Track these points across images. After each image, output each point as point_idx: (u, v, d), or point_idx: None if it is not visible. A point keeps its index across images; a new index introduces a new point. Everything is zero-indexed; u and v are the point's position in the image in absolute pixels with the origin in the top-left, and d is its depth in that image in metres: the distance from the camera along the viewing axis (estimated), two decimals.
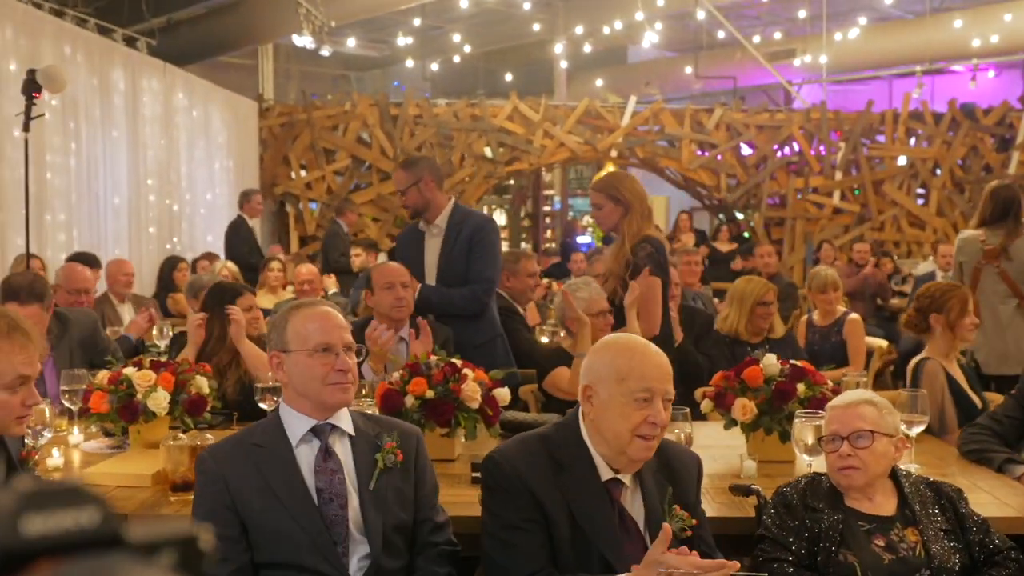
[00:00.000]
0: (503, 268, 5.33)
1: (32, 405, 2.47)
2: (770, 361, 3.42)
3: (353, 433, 2.48)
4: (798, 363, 3.44)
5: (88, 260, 7.13)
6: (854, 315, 6.01)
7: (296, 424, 2.45)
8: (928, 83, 14.57)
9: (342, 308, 6.89)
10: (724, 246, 11.80)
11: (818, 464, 2.97)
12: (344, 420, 2.49)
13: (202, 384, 3.52)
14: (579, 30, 14.33)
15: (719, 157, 13.15)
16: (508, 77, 15.94)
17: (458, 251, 4.57)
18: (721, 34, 14.09)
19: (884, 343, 6.19)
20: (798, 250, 13.14)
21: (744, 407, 3.31)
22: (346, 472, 2.43)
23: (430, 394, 3.34)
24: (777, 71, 14.10)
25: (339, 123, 12.54)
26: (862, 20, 13.91)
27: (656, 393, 2.30)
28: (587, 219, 19.19)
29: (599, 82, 16.41)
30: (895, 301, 9.65)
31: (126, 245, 8.81)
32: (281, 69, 16.15)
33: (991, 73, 15.79)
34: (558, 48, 14.63)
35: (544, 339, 5.62)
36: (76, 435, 3.70)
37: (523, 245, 17.52)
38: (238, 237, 9.33)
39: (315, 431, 2.45)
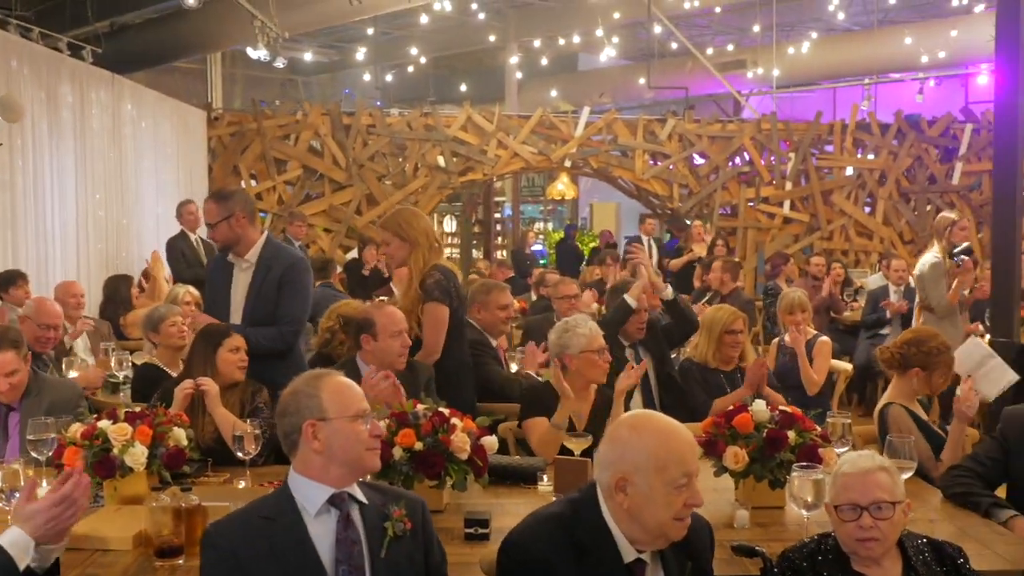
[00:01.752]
0: (474, 300, 5.27)
1: None
2: (759, 407, 3.42)
3: (366, 501, 2.45)
4: (787, 409, 3.45)
5: (12, 278, 6.88)
6: (824, 338, 6.07)
7: (313, 494, 2.40)
8: (872, 92, 14.85)
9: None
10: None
11: (814, 518, 2.97)
12: (355, 489, 2.46)
13: (180, 436, 3.41)
14: (536, 43, 14.33)
15: (672, 167, 13.24)
16: (460, 86, 15.88)
17: (268, 288, 4.47)
18: (674, 45, 14.18)
19: (848, 367, 6.26)
20: (749, 259, 13.28)
21: (736, 456, 3.30)
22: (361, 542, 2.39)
23: (419, 446, 3.27)
24: (728, 81, 14.22)
25: (290, 132, 12.36)
26: (813, 34, 14.10)
27: (693, 475, 2.31)
28: (538, 225, 19.24)
29: (553, 92, 16.42)
30: (847, 314, 9.78)
31: (73, 262, 8.57)
32: (227, 73, 15.90)
33: (931, 82, 16.12)
34: (510, 58, 14.60)
35: (514, 366, 5.57)
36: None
37: (474, 253, 17.48)
38: (172, 253, 8.97)
39: (332, 501, 2.40)
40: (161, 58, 12.29)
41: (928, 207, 13.43)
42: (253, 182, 12.30)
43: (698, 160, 13.49)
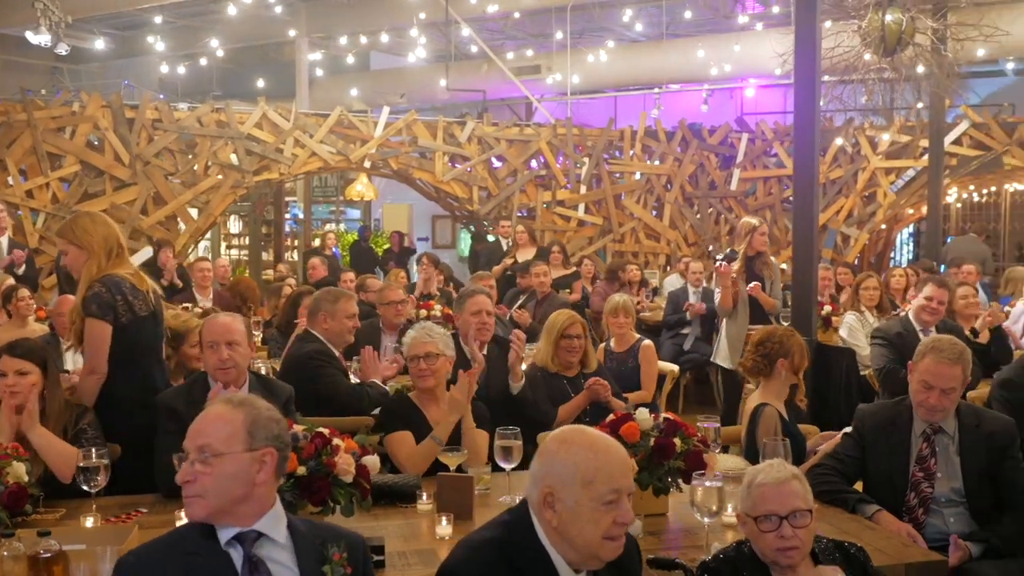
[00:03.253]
0: (320, 308, 4.99)
1: None
2: (643, 415, 3.43)
3: (283, 541, 2.22)
4: (669, 416, 3.47)
5: None
6: (648, 342, 6.23)
7: (223, 529, 2.18)
8: (654, 101, 15.55)
9: None
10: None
11: (713, 524, 3.01)
12: (275, 528, 2.21)
13: (20, 471, 3.00)
14: (343, 40, 13.95)
15: (471, 169, 13.27)
16: (249, 81, 15.21)
17: None
18: (473, 48, 14.24)
19: (675, 368, 6.46)
20: None
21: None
22: None
23: (302, 470, 3.04)
24: (524, 86, 14.43)
25: (66, 125, 11.37)
26: (609, 42, 14.56)
27: (623, 492, 2.23)
28: (329, 226, 18.80)
29: (354, 91, 16.05)
30: (648, 314, 10.15)
31: None
32: None
33: (705, 93, 17.06)
34: (301, 54, 14.16)
35: (353, 377, 5.33)
36: None
37: (263, 256, 16.82)
38: None
39: (239, 538, 2.17)
40: None
41: (710, 210, 14.19)
42: (22, 178, 11.23)
43: (496, 163, 13.60)
